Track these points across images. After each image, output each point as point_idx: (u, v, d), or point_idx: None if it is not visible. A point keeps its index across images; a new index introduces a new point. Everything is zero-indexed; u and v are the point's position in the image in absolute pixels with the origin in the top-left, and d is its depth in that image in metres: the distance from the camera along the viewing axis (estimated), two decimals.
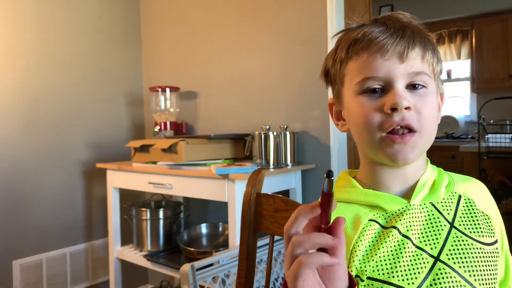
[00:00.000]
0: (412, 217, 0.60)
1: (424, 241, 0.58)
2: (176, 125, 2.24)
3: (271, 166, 1.73)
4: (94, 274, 2.29)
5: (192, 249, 1.79)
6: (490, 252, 0.59)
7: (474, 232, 0.60)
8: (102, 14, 2.37)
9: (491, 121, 3.49)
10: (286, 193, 1.81)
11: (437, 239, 0.58)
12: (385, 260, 0.57)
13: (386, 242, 0.58)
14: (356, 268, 0.57)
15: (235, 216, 1.53)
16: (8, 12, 2.00)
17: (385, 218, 0.60)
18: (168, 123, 2.20)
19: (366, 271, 0.57)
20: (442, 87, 0.65)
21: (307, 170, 1.85)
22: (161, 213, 2.02)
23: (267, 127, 1.78)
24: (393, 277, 0.56)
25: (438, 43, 4.34)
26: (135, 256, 1.98)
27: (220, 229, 2.01)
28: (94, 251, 2.30)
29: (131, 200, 2.19)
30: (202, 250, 1.83)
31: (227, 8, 2.16)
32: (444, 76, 4.45)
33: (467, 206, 0.63)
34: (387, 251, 0.57)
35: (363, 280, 0.56)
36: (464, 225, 0.60)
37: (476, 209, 0.63)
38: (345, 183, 0.66)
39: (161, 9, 2.48)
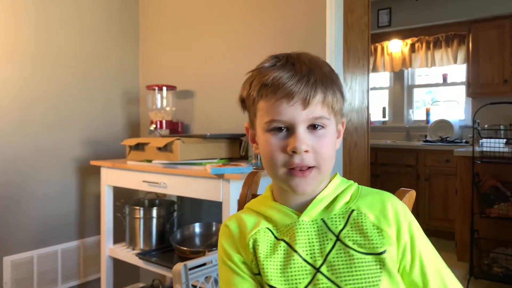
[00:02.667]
0: (301, 232, 0.68)
1: (310, 254, 0.67)
2: (172, 124, 2.23)
3: None
4: (85, 271, 2.28)
5: (185, 248, 1.78)
6: (372, 262, 0.64)
7: (357, 244, 0.66)
8: (100, 12, 2.35)
9: (486, 125, 3.51)
10: None
11: (321, 252, 0.66)
12: (276, 269, 0.67)
13: (277, 253, 0.68)
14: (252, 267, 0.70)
15: (229, 216, 1.52)
16: (5, 10, 1.98)
17: (277, 231, 0.71)
18: (164, 121, 2.19)
19: (268, 279, 0.66)
20: (343, 118, 0.74)
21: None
22: (154, 212, 2.01)
23: None
24: (281, 284, 0.65)
25: (435, 47, 4.35)
26: (128, 255, 1.97)
27: (214, 228, 2.00)
28: (86, 248, 2.28)
29: (125, 198, 2.18)
30: (195, 249, 1.82)
31: (225, 8, 2.16)
32: (439, 79, 4.48)
33: (357, 220, 0.68)
34: (278, 262, 0.67)
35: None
36: (349, 237, 0.67)
37: (366, 222, 0.68)
38: (264, 194, 0.78)
39: (159, 8, 2.47)
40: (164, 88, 2.22)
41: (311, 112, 0.65)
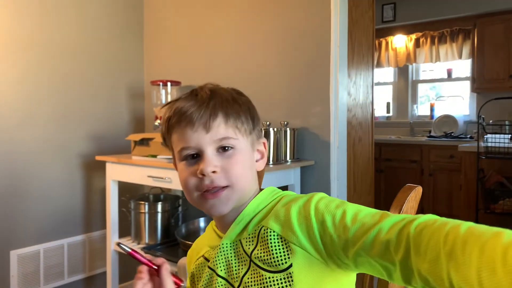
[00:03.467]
0: (221, 255, 0.71)
1: (231, 276, 0.69)
2: None
3: (271, 162, 1.73)
4: (91, 265, 2.30)
5: (190, 242, 1.79)
6: (281, 280, 0.63)
7: (266, 264, 0.65)
8: (105, 7, 2.36)
9: (490, 121, 3.49)
10: (285, 189, 1.81)
11: (238, 274, 0.68)
12: None
13: (203, 273, 0.74)
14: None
15: None
16: (9, 6, 1.99)
17: (208, 256, 0.75)
18: None
19: None
20: (261, 138, 0.76)
21: (306, 166, 1.86)
22: (159, 207, 2.03)
23: (268, 123, 1.78)
24: None
25: (440, 42, 4.33)
26: (133, 249, 1.98)
27: None
28: (92, 242, 2.30)
29: (130, 193, 2.20)
30: None
31: (230, 4, 2.15)
32: (444, 75, 4.46)
33: (265, 237, 0.67)
34: (204, 282, 0.73)
35: None
36: (259, 257, 0.66)
37: (272, 238, 0.65)
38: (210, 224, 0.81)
39: (164, 4, 2.47)
40: (169, 84, 2.23)
41: (215, 134, 0.67)
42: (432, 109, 4.46)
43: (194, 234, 1.98)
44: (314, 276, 0.63)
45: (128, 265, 2.29)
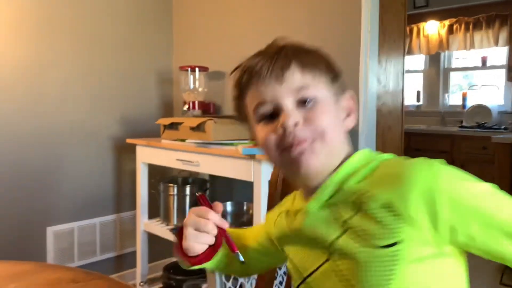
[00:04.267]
0: (308, 220, 0.64)
1: (316, 239, 0.62)
2: (204, 104, 2.27)
3: None
4: (121, 244, 2.38)
5: None
6: (383, 256, 0.54)
7: (364, 235, 0.56)
8: None
9: None
10: None
11: (326, 239, 0.60)
12: (292, 251, 0.69)
13: (290, 236, 0.69)
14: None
15: (260, 196, 1.56)
16: None
17: (287, 217, 0.72)
18: (196, 102, 2.23)
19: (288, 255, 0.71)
20: (346, 91, 0.67)
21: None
22: (187, 190, 2.07)
23: None
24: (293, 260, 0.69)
25: (474, 28, 4.17)
26: (162, 229, 2.04)
27: (245, 208, 2.04)
28: (122, 222, 2.39)
29: (159, 176, 2.25)
30: None
31: None
32: (478, 63, 4.30)
33: (367, 206, 0.57)
34: (293, 244, 0.69)
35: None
36: (356, 226, 0.57)
37: (377, 208, 0.56)
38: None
39: None
40: (197, 69, 2.25)
41: (291, 84, 0.61)
42: (464, 99, 4.32)
43: (221, 217, 2.02)
44: (423, 257, 0.54)
45: (157, 245, 2.36)
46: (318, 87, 0.62)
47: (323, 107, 0.61)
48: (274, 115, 0.62)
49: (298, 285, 0.66)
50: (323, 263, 0.61)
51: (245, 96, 0.66)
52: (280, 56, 0.62)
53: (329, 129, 0.60)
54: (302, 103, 0.61)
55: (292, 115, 0.59)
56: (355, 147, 1.88)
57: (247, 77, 0.64)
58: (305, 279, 0.64)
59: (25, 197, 2.02)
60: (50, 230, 2.11)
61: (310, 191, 0.65)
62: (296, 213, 0.68)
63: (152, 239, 2.20)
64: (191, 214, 0.70)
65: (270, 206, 0.97)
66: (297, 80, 0.61)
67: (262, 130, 0.63)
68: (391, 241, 0.54)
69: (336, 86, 0.65)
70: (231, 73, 0.70)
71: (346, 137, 0.65)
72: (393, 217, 0.54)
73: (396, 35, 2.12)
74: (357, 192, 0.59)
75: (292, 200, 0.74)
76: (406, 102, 4.65)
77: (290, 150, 0.60)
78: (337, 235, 0.59)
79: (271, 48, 0.66)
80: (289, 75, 0.61)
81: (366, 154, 0.65)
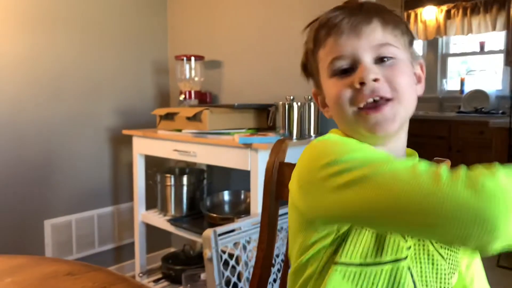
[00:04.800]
0: None
1: None
2: (201, 94, 2.25)
3: (294, 137, 1.73)
4: (120, 236, 2.39)
5: (214, 215, 1.84)
6: None
7: None
8: None
9: None
10: None
11: None
12: None
13: None
14: None
15: (257, 185, 1.55)
16: None
17: None
18: (192, 92, 2.22)
19: None
20: (419, 57, 0.65)
21: None
22: (185, 180, 2.07)
23: (291, 97, 1.77)
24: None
25: (472, 13, 4.14)
26: (159, 220, 2.04)
27: (242, 196, 2.04)
28: (120, 214, 2.38)
29: (156, 166, 2.25)
30: (224, 216, 1.88)
31: None
32: (476, 48, 4.28)
33: None
34: None
35: None
36: None
37: None
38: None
39: None
40: (192, 58, 2.23)
41: (372, 40, 0.58)
42: (462, 84, 4.31)
43: (218, 206, 2.03)
44: None
45: (155, 236, 2.36)
46: (398, 47, 0.60)
47: (402, 68, 0.60)
48: (349, 70, 0.59)
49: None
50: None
51: (319, 50, 0.63)
52: (362, 11, 0.60)
53: (407, 92, 0.59)
54: (381, 60, 0.59)
55: (372, 70, 0.57)
56: None
57: (326, 30, 0.61)
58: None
59: (22, 191, 2.01)
60: (48, 223, 2.10)
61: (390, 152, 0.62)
62: None
63: (150, 230, 2.21)
64: None
65: (266, 193, 0.96)
66: (378, 37, 0.59)
67: (335, 85, 0.60)
68: None
69: (411, 51, 0.64)
70: (307, 27, 0.68)
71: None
72: None
73: None
74: None
75: None
76: None
77: (366, 112, 0.57)
78: None
79: (351, 3, 0.63)
80: (370, 30, 0.59)
81: None
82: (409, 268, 0.56)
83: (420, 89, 0.65)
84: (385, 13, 0.61)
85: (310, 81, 0.71)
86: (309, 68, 0.69)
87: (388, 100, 0.57)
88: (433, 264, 0.58)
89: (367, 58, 0.58)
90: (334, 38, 0.60)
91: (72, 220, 2.19)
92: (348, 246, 0.57)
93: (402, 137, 0.64)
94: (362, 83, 0.57)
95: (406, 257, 0.56)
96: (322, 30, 0.62)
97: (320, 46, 0.63)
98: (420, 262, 0.57)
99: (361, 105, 0.58)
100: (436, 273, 0.58)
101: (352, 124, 0.60)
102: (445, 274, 0.59)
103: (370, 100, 0.57)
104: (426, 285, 0.57)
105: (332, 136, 0.62)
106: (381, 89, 0.57)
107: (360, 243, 0.56)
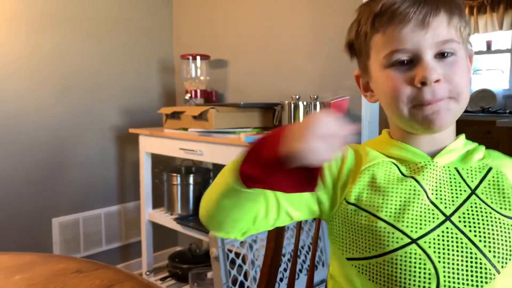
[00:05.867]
0: (433, 174, 0.61)
1: (440, 199, 0.59)
2: (206, 93, 2.26)
3: None
4: (127, 234, 2.40)
5: None
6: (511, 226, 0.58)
7: (496, 203, 0.59)
8: None
9: None
10: None
11: (453, 201, 0.59)
12: (393, 205, 0.59)
13: (400, 188, 0.60)
14: (355, 194, 0.61)
15: None
16: None
17: (406, 169, 0.62)
18: (198, 91, 2.22)
19: (371, 205, 0.60)
20: (471, 48, 0.64)
21: None
22: (191, 179, 2.08)
23: (297, 96, 1.77)
24: (399, 221, 0.57)
25: (479, 12, 4.11)
26: (166, 219, 2.05)
27: None
28: (127, 213, 2.40)
29: (162, 165, 2.26)
30: None
31: None
32: (483, 47, 4.25)
33: (496, 178, 0.61)
34: (399, 197, 0.59)
35: (358, 207, 0.60)
36: (486, 194, 0.60)
37: (507, 183, 0.61)
38: (380, 137, 0.69)
39: None
40: (198, 57, 2.24)
41: (437, 35, 0.56)
42: None
43: None
44: None
45: (162, 235, 2.37)
46: (459, 42, 0.59)
47: (462, 66, 0.59)
48: (409, 62, 0.58)
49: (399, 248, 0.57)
50: (440, 224, 0.58)
51: (376, 34, 0.60)
52: (428, 0, 0.57)
53: (465, 90, 0.59)
54: (441, 55, 0.58)
55: (435, 70, 0.56)
56: (358, 133, 1.87)
57: (389, 16, 0.58)
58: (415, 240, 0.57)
59: (29, 189, 2.03)
60: (56, 221, 2.12)
61: (429, 143, 0.63)
62: (417, 166, 0.62)
63: (157, 228, 2.22)
64: (320, 119, 0.43)
65: None
66: (443, 32, 0.57)
67: (392, 78, 0.58)
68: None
69: (468, 43, 0.63)
70: (364, 4, 0.64)
71: None
72: None
73: None
74: (486, 166, 0.63)
75: (377, 154, 0.65)
76: None
77: (423, 108, 0.57)
78: (463, 198, 0.59)
79: None
80: (437, 24, 0.57)
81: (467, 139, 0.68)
82: (427, 254, 0.55)
83: (469, 81, 0.64)
84: (452, 3, 0.59)
85: (353, 60, 0.68)
86: (357, 48, 0.65)
87: (446, 100, 0.58)
88: (462, 252, 0.56)
89: (429, 54, 0.57)
90: (398, 27, 0.57)
91: (79, 218, 2.20)
92: (350, 242, 0.60)
93: (451, 128, 0.64)
94: (423, 83, 0.56)
95: (410, 243, 0.56)
96: (385, 15, 0.58)
97: (379, 31, 0.60)
98: (444, 248, 0.56)
99: (418, 104, 0.58)
100: (466, 263, 0.55)
101: (406, 118, 0.60)
102: (480, 268, 0.55)
103: (431, 102, 0.57)
104: (453, 274, 0.55)
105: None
106: (441, 91, 0.57)
107: (358, 238, 0.59)
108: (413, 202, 0.59)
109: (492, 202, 0.59)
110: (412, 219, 0.58)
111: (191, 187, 2.07)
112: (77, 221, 2.19)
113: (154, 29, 2.48)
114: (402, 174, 0.62)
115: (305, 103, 1.74)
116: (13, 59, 1.96)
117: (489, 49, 4.25)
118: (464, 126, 3.75)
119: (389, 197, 0.59)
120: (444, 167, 0.62)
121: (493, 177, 0.62)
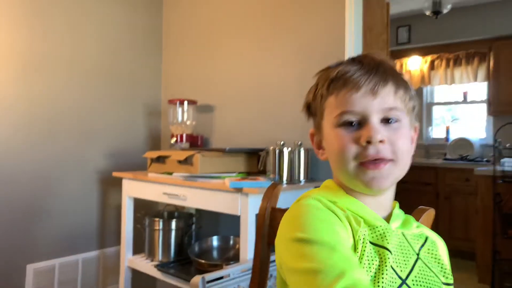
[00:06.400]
0: (391, 238, 0.63)
1: (396, 262, 0.62)
2: (192, 137, 2.28)
3: (284, 181, 1.74)
4: (104, 281, 2.31)
5: (203, 261, 1.80)
6: None
7: (435, 269, 0.65)
8: (125, 26, 2.44)
9: (507, 144, 3.45)
10: None
11: (405, 264, 0.63)
12: (369, 272, 0.60)
13: (374, 255, 0.61)
14: None
15: (247, 230, 1.54)
16: (34, 23, 2.07)
17: (372, 233, 0.63)
18: (184, 135, 2.24)
19: None
20: (416, 121, 0.70)
21: (319, 187, 1.86)
22: (173, 224, 2.04)
23: (282, 142, 1.80)
24: None
25: (455, 64, 4.33)
26: (146, 266, 1.99)
27: (231, 242, 2.01)
28: (106, 258, 2.32)
29: (145, 210, 2.22)
30: (213, 262, 1.84)
31: (246, 25, 2.21)
32: (460, 97, 4.43)
33: (432, 247, 0.67)
34: (372, 264, 0.60)
35: None
36: (427, 260, 0.65)
37: (438, 254, 0.67)
38: (332, 188, 0.70)
39: (183, 23, 2.54)
40: (185, 102, 2.27)
41: (384, 102, 0.62)
42: (447, 132, 4.42)
43: (207, 252, 1.99)
44: None
45: (141, 282, 2.29)
46: (403, 111, 0.65)
47: (405, 132, 0.64)
48: (356, 124, 0.63)
49: None
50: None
51: (330, 97, 0.66)
52: (379, 71, 0.64)
53: (405, 155, 0.64)
54: (387, 120, 0.63)
55: (379, 132, 0.61)
56: None
57: (343, 82, 0.64)
58: None
59: (7, 232, 1.96)
60: (30, 268, 2.03)
61: (376, 206, 0.66)
62: (380, 232, 0.64)
63: (136, 275, 2.14)
64: None
65: (258, 238, 0.96)
66: (390, 100, 0.63)
67: (340, 137, 0.63)
68: (450, 282, 0.66)
69: (413, 115, 0.69)
70: (322, 71, 0.70)
71: None
72: (447, 268, 0.67)
73: None
74: (422, 234, 0.69)
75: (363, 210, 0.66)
76: None
77: (366, 166, 0.61)
78: (413, 261, 0.64)
79: (368, 60, 0.66)
80: (385, 93, 0.63)
81: None
82: None
83: (412, 150, 0.69)
84: (399, 77, 0.66)
85: (309, 120, 0.74)
86: (313, 109, 0.71)
87: (387, 160, 0.61)
88: None
89: (376, 118, 0.62)
90: (350, 92, 0.63)
91: (55, 264, 2.12)
92: None
93: (391, 192, 0.68)
94: (368, 142, 0.61)
95: None
96: (339, 80, 0.64)
97: (333, 94, 0.65)
98: None
99: (363, 161, 0.61)
100: None
101: (351, 176, 0.63)
102: None
103: (374, 158, 0.61)
104: None
105: (312, 202, 0.64)
106: (384, 150, 0.61)
107: None
108: (383, 270, 0.60)
109: (432, 267, 0.65)
110: (382, 285, 0.59)
111: (173, 233, 2.03)
112: (52, 268, 2.11)
113: (143, 75, 2.53)
114: (371, 242, 0.63)
115: (289, 149, 1.77)
116: (3, 100, 1.96)
117: (465, 100, 4.43)
118: (445, 173, 3.83)
119: (364, 265, 0.60)
120: (395, 230, 0.66)
121: (430, 245, 0.67)
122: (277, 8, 2.09)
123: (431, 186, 3.91)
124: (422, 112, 4.65)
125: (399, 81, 0.65)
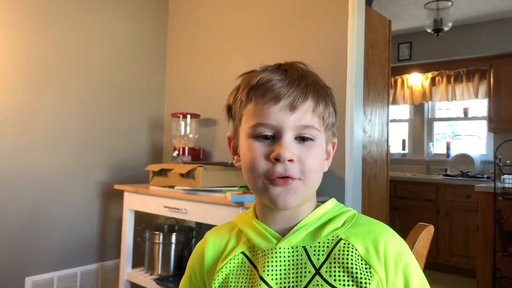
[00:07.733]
0: (276, 260, 0.62)
1: (284, 284, 0.60)
2: (194, 150, 2.29)
3: None
4: None
5: None
6: None
7: (340, 280, 0.59)
8: (130, 39, 2.47)
9: (508, 161, 3.45)
10: None
11: (297, 285, 0.60)
12: None
13: (245, 278, 0.63)
14: None
15: None
16: (38, 35, 2.10)
17: (252, 254, 0.65)
18: (186, 148, 2.25)
19: None
20: (335, 137, 0.70)
21: (321, 202, 1.86)
22: (173, 238, 2.04)
23: None
24: None
25: (455, 81, 4.36)
26: (145, 279, 1.99)
27: None
28: (105, 272, 2.31)
29: (145, 223, 2.22)
30: None
31: (251, 40, 2.24)
32: (460, 114, 4.45)
33: (342, 252, 0.61)
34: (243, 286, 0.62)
35: None
36: (330, 272, 0.60)
37: (353, 255, 0.61)
38: (250, 209, 0.72)
39: (187, 38, 2.58)
40: (188, 116, 2.29)
41: (300, 119, 0.61)
42: (448, 148, 4.43)
43: None
44: None
45: None
46: (321, 131, 0.64)
47: (317, 151, 0.63)
48: (270, 137, 0.62)
49: None
50: None
51: (249, 104, 0.64)
52: (300, 85, 0.62)
53: (313, 173, 0.62)
54: (301, 138, 0.61)
55: (290, 150, 0.60)
56: (342, 195, 1.88)
57: (262, 91, 0.62)
58: None
59: (6, 244, 1.96)
60: (29, 281, 2.03)
61: (279, 224, 0.65)
62: (263, 253, 0.64)
63: None
64: None
65: None
66: (307, 118, 0.61)
67: (252, 149, 0.62)
68: (367, 284, 0.59)
69: (332, 131, 0.68)
70: (245, 74, 0.70)
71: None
72: (367, 267, 0.60)
73: (380, 87, 2.21)
74: (335, 239, 0.63)
75: (248, 231, 0.68)
76: (392, 150, 4.75)
77: (274, 182, 0.60)
78: (307, 280, 0.60)
79: (293, 70, 0.65)
80: (302, 111, 0.61)
81: (336, 203, 0.69)
82: None
83: (326, 165, 0.69)
84: (321, 92, 0.64)
85: (230, 122, 0.72)
86: (233, 112, 0.70)
87: (295, 178, 0.60)
88: None
89: (289, 135, 0.61)
90: (268, 103, 0.61)
91: (54, 277, 2.11)
92: None
93: (304, 205, 0.66)
94: (277, 160, 0.59)
95: None
96: (260, 88, 0.63)
97: (252, 101, 0.64)
98: None
99: (271, 178, 0.60)
100: None
101: (259, 191, 0.62)
102: None
103: (281, 176, 0.60)
104: None
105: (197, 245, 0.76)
106: (292, 169, 0.60)
107: None
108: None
109: (335, 280, 0.59)
110: None
111: (173, 246, 2.03)
112: (51, 281, 2.10)
113: (146, 88, 2.55)
114: (248, 259, 0.65)
115: None
116: (4, 109, 1.97)
117: (466, 116, 4.45)
118: (445, 189, 3.82)
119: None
120: (291, 248, 0.63)
121: (338, 250, 0.61)
122: (281, 25, 2.12)
123: (431, 202, 3.90)
124: (423, 127, 4.67)
125: (320, 96, 0.63)
